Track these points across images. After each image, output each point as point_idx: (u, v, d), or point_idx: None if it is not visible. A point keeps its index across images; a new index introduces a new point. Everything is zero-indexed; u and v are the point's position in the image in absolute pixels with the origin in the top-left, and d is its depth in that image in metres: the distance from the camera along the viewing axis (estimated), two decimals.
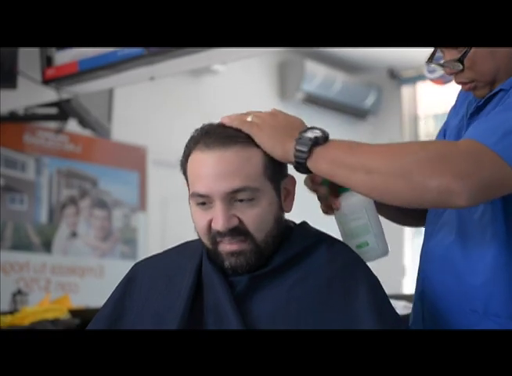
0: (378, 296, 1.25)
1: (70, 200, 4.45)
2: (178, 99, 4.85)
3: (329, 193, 1.34)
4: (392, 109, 5.98)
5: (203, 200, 1.26)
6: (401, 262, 5.49)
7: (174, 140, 4.57)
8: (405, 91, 5.98)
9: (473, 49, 1.26)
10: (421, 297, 1.37)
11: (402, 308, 1.95)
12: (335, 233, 1.36)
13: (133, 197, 4.72)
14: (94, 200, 4.56)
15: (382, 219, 1.41)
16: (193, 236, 1.35)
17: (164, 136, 4.74)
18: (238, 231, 1.25)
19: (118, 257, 4.61)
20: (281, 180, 1.30)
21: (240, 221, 1.25)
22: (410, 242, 5.56)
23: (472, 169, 1.13)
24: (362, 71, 5.85)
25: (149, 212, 4.75)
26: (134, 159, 4.72)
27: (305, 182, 1.36)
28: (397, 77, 5.91)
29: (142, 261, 1.41)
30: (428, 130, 5.91)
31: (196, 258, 1.32)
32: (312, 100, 5.59)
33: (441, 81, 3.62)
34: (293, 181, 1.32)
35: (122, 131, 4.47)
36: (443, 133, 1.47)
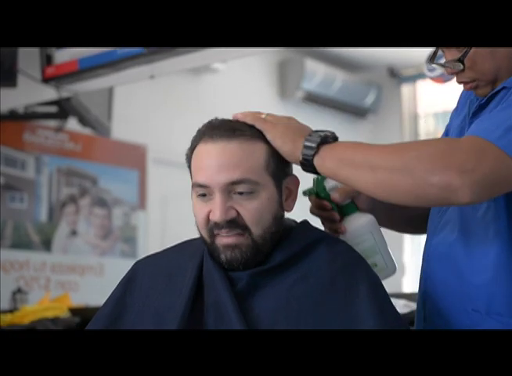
0: (379, 295, 1.25)
1: (69, 198, 4.45)
2: (178, 98, 4.85)
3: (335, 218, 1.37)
4: (392, 107, 5.98)
5: (203, 192, 1.27)
6: (400, 261, 5.49)
7: (174, 139, 4.62)
8: (405, 89, 5.99)
9: (473, 49, 1.26)
10: (423, 297, 1.36)
11: (402, 306, 1.96)
12: None
13: (133, 196, 4.72)
14: (94, 199, 4.56)
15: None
16: (193, 235, 1.35)
17: (163, 135, 4.74)
18: (235, 224, 1.25)
19: (118, 255, 4.61)
20: (283, 178, 1.30)
21: (238, 214, 1.26)
22: (410, 240, 5.56)
23: (474, 164, 1.12)
24: (362, 70, 5.85)
25: (149, 211, 4.75)
26: (134, 157, 4.72)
27: (311, 210, 1.38)
28: (397, 76, 5.91)
29: (142, 259, 1.41)
30: (428, 128, 5.91)
31: (197, 256, 1.32)
32: (312, 99, 5.59)
33: (441, 79, 3.62)
34: (296, 181, 1.33)
35: (122, 129, 4.47)
36: (445, 135, 1.46)
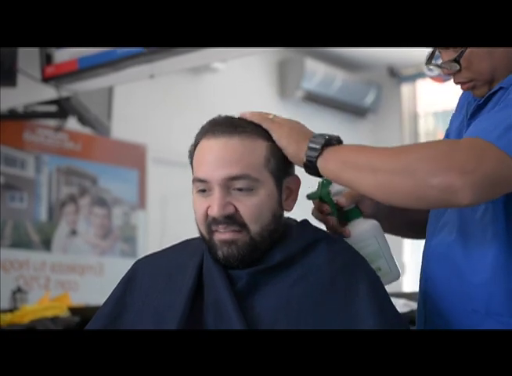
0: (379, 294, 1.25)
1: (69, 198, 4.45)
2: (177, 97, 4.85)
3: (338, 222, 1.37)
4: (392, 107, 5.98)
5: (203, 187, 1.27)
6: (400, 261, 5.49)
7: (173, 138, 4.62)
8: (405, 89, 5.98)
9: (469, 49, 1.26)
10: (424, 297, 1.37)
11: (401, 306, 1.96)
12: None
13: (133, 195, 4.72)
14: (94, 198, 4.56)
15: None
16: (193, 234, 1.35)
17: (163, 134, 4.75)
18: (233, 220, 1.26)
19: (118, 255, 4.61)
20: (284, 178, 1.31)
21: (236, 210, 1.26)
22: (410, 240, 5.54)
23: (475, 165, 1.12)
24: (362, 69, 5.85)
25: (149, 210, 4.75)
26: (133, 157, 4.72)
27: (313, 213, 1.39)
28: (397, 75, 5.91)
29: (142, 258, 1.41)
30: (428, 128, 5.91)
31: (197, 256, 1.32)
32: (312, 98, 5.59)
33: (441, 78, 3.62)
34: (297, 181, 1.33)
35: (122, 129, 4.47)
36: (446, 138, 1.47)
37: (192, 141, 1.33)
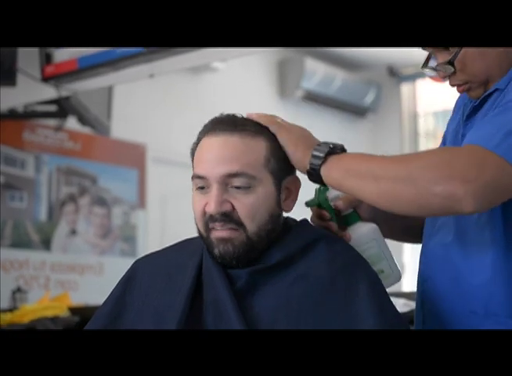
0: (379, 293, 1.25)
1: (69, 197, 4.45)
2: (177, 97, 4.85)
3: (338, 227, 1.38)
4: (392, 106, 5.98)
5: (202, 184, 1.28)
6: (400, 260, 5.49)
7: (173, 138, 4.62)
8: (405, 88, 5.98)
9: (462, 51, 1.27)
10: (422, 298, 1.37)
11: (401, 305, 1.96)
12: None
13: (132, 195, 4.72)
14: (93, 198, 4.56)
15: None
16: (193, 234, 1.35)
17: (163, 134, 4.75)
18: (230, 218, 1.26)
19: (118, 254, 4.61)
20: (283, 178, 1.31)
21: (234, 208, 1.26)
22: None
23: (476, 173, 1.13)
24: (362, 69, 5.85)
25: (149, 210, 4.75)
26: (133, 156, 4.72)
27: (312, 220, 1.39)
28: (396, 75, 5.91)
29: (142, 258, 1.41)
30: (428, 127, 5.92)
31: (196, 255, 1.32)
32: (312, 98, 5.59)
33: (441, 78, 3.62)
34: (297, 182, 1.33)
35: (121, 128, 4.47)
36: (443, 142, 1.47)
37: (192, 140, 1.33)
